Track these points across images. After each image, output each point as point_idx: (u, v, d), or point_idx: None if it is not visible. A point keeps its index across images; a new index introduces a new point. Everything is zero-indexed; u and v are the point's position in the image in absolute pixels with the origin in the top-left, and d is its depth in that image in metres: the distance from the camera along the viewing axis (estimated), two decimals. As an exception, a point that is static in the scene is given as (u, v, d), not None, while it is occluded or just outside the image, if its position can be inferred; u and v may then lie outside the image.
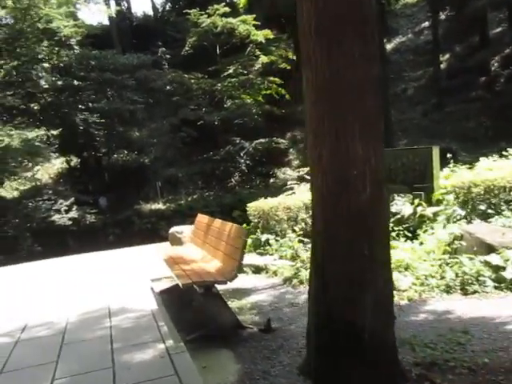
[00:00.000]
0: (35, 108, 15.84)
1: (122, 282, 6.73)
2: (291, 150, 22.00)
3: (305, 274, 5.51)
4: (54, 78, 14.91)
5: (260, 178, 20.13)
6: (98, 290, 6.41)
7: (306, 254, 6.31)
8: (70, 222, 14.31)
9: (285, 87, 20.15)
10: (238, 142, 20.01)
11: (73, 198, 15.20)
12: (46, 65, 14.70)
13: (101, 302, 5.66)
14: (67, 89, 15.12)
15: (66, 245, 14.36)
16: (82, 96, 15.63)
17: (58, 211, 14.75)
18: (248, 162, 19.93)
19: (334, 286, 2.81)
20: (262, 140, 20.17)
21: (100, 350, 4.01)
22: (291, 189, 9.73)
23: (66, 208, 14.96)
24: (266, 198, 8.83)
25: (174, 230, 9.00)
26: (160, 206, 18.09)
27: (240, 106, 19.87)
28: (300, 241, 6.69)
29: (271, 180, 20.25)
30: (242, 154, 19.94)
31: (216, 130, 20.00)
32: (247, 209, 7.87)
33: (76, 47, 15.89)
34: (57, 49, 14.63)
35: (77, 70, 15.15)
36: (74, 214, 14.88)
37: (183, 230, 8.86)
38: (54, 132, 13.45)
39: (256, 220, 7.46)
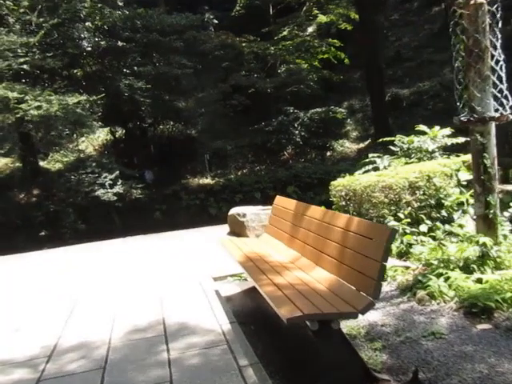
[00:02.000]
0: (77, 73, 14.63)
1: (178, 280, 5.28)
2: (348, 120, 20.14)
3: (437, 283, 3.88)
4: (97, 39, 13.56)
5: (315, 150, 18.39)
6: (148, 291, 4.97)
7: (421, 251, 4.70)
8: (115, 198, 13.16)
9: (344, 50, 18.18)
10: (291, 111, 18.23)
11: (117, 172, 14.04)
12: (88, 24, 13.35)
13: (152, 311, 4.26)
14: (111, 51, 13.77)
15: (110, 222, 13.33)
16: (127, 59, 14.25)
17: (103, 185, 13.66)
18: (303, 133, 18.18)
19: None
20: (319, 109, 18.35)
21: (157, 414, 2.60)
22: (372, 163, 8.08)
23: (111, 182, 13.83)
24: (342, 174, 7.20)
25: (234, 211, 7.53)
26: (209, 180, 16.76)
27: (295, 71, 18.08)
28: (410, 232, 5.06)
29: (328, 153, 18.53)
30: (296, 125, 18.20)
31: (266, 99, 18.31)
32: (330, 188, 6.27)
33: (120, 3, 14.46)
34: (100, 5, 13.28)
35: (121, 30, 13.74)
36: (119, 188, 13.75)
37: (245, 212, 7.37)
38: (96, 98, 12.14)
39: (343, 202, 5.86)
